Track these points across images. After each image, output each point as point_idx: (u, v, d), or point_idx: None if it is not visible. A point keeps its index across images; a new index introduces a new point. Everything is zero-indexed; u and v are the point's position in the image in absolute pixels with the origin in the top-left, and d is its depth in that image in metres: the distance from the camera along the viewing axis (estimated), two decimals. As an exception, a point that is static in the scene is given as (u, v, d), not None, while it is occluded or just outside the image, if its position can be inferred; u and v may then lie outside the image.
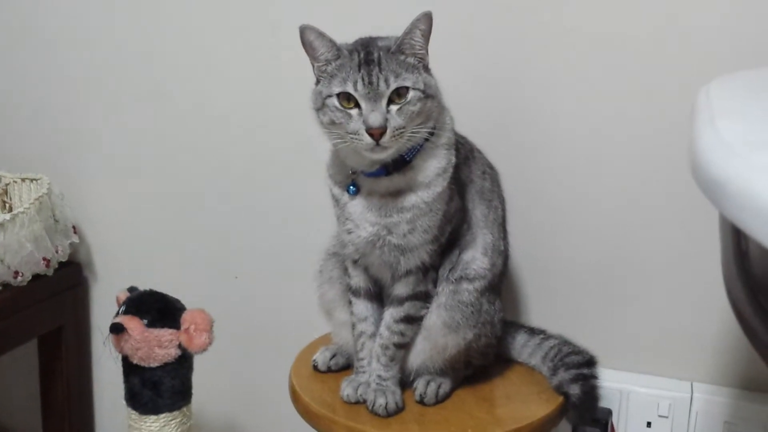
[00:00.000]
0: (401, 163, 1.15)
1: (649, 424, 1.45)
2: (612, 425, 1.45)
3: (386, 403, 1.19)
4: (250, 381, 1.74)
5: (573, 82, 1.42)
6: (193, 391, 1.42)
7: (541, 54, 1.43)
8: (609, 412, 1.44)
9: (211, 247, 1.72)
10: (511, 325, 1.39)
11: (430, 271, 1.22)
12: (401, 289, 1.22)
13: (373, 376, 1.23)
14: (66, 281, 1.73)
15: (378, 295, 1.27)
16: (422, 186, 1.16)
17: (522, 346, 1.37)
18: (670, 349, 1.47)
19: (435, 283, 1.23)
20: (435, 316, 1.22)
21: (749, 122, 0.65)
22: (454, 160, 1.19)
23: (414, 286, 1.22)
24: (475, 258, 1.24)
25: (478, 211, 1.26)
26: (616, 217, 1.45)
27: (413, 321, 1.23)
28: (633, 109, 1.39)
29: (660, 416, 1.45)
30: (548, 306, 1.51)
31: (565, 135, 1.44)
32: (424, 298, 1.23)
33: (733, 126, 0.62)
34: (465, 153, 1.25)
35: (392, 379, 1.23)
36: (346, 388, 1.24)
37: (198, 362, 1.40)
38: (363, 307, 1.26)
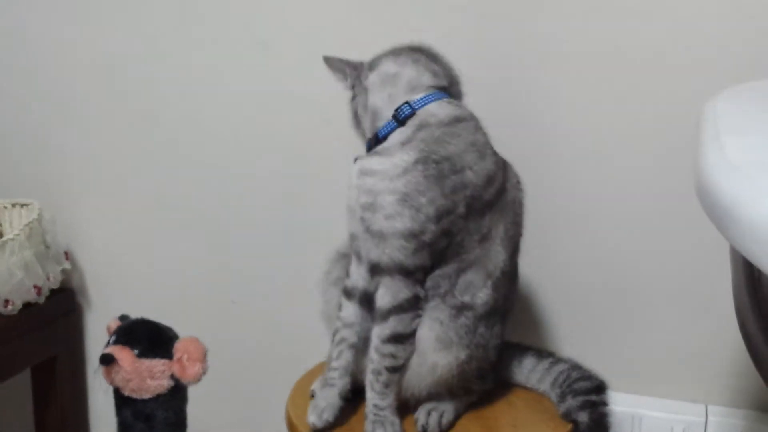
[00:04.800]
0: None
1: (662, 450, 1.40)
2: (624, 451, 1.40)
3: (386, 435, 1.14)
4: (249, 410, 1.69)
5: (582, 92, 1.38)
6: (189, 421, 1.37)
7: (547, 64, 1.39)
8: (621, 438, 1.39)
9: (206, 271, 1.68)
10: (516, 347, 1.33)
11: (415, 274, 1.13)
12: (383, 296, 1.14)
13: (368, 405, 1.16)
14: (58, 309, 1.68)
15: (372, 303, 1.17)
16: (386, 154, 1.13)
17: (530, 371, 1.31)
18: (683, 372, 1.42)
19: (423, 284, 1.14)
20: (427, 330, 1.14)
21: (759, 139, 0.59)
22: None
23: (396, 292, 1.13)
24: (475, 283, 1.15)
25: (501, 226, 1.17)
26: (628, 237, 1.40)
27: (404, 339, 1.14)
28: (645, 127, 1.35)
29: (674, 441, 1.39)
30: (557, 327, 1.46)
31: (576, 151, 1.40)
32: (412, 306, 1.14)
33: (741, 144, 0.56)
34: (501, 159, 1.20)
35: (389, 408, 1.16)
36: (311, 415, 1.17)
37: (193, 391, 1.35)
38: (352, 312, 1.18)
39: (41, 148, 1.74)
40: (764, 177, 0.49)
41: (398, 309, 1.13)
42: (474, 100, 1.39)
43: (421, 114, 1.15)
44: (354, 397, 1.21)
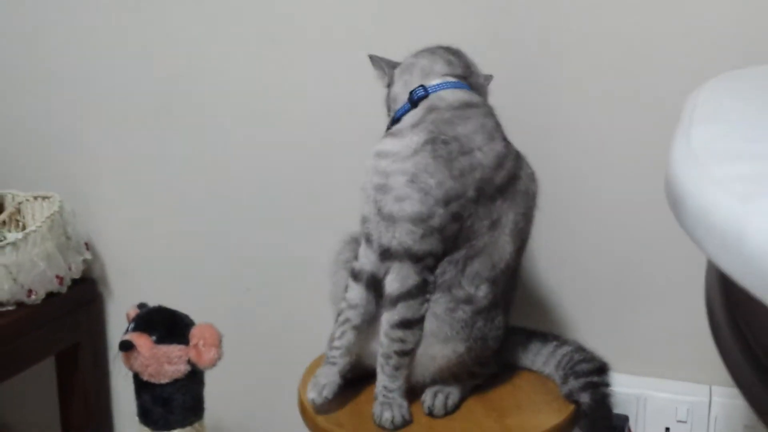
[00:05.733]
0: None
1: (667, 430, 1.43)
2: (631, 431, 1.43)
3: (393, 417, 1.17)
4: (266, 394, 1.74)
5: (591, 83, 1.41)
6: (209, 405, 1.42)
7: (554, 56, 1.42)
8: (626, 419, 1.42)
9: (222, 260, 1.72)
10: (522, 331, 1.36)
11: (424, 260, 1.15)
12: (392, 282, 1.16)
13: (378, 387, 1.20)
14: (80, 298, 1.74)
15: (379, 287, 1.20)
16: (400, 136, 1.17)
17: (535, 355, 1.34)
18: (687, 352, 1.44)
19: (433, 271, 1.16)
20: (426, 323, 1.17)
21: (727, 128, 0.60)
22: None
23: (404, 278, 1.15)
24: (481, 274, 1.17)
25: (511, 214, 1.18)
26: (633, 217, 1.43)
27: (412, 325, 1.16)
28: (651, 117, 1.38)
29: (679, 421, 1.42)
30: (564, 310, 1.49)
31: (584, 139, 1.43)
32: (420, 292, 1.16)
33: (706, 133, 0.57)
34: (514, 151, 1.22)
35: (398, 391, 1.19)
36: (311, 391, 1.20)
37: (212, 376, 1.39)
38: (357, 294, 1.20)
39: (62, 142, 1.78)
40: (716, 165, 0.51)
41: (407, 295, 1.16)
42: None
43: (432, 98, 1.20)
44: (361, 381, 1.26)
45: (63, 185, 1.75)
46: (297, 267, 1.65)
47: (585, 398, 1.22)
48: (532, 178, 1.23)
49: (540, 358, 1.33)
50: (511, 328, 1.32)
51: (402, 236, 1.15)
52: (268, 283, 1.69)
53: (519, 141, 1.23)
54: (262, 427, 1.76)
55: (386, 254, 1.17)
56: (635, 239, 1.43)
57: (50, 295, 1.64)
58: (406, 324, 1.17)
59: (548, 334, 1.37)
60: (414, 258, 1.15)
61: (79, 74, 1.74)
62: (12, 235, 1.60)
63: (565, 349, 1.32)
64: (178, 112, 1.69)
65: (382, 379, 1.20)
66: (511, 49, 1.43)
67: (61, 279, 1.65)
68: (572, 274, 1.47)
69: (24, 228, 1.70)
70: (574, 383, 1.25)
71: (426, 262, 1.16)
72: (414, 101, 1.20)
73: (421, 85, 1.21)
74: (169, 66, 1.67)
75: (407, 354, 1.18)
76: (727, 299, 0.62)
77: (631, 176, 1.41)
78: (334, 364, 1.21)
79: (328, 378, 1.21)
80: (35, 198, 1.73)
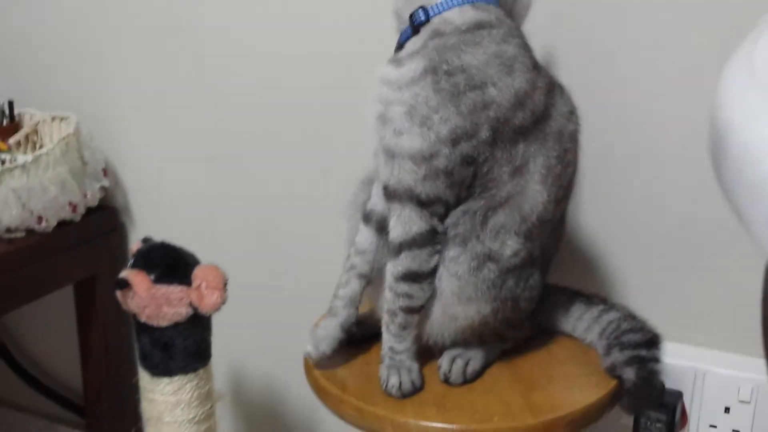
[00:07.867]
0: None
1: (727, 410, 1.26)
2: (684, 409, 1.27)
3: (400, 383, 1.03)
4: (287, 343, 1.62)
5: (647, 22, 1.21)
6: (215, 351, 1.30)
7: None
8: (679, 395, 1.26)
9: (254, 194, 1.58)
10: (563, 292, 1.20)
11: (429, 205, 1.00)
12: (394, 227, 1.02)
13: (384, 348, 1.06)
14: (98, 227, 1.63)
15: None
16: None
17: (577, 320, 1.18)
18: (755, 323, 1.25)
19: (442, 220, 1.02)
20: (445, 282, 1.02)
21: None
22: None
23: (407, 224, 1.00)
24: (507, 227, 1.01)
25: (541, 159, 1.02)
26: (692, 174, 1.24)
27: (420, 278, 1.02)
28: (718, 55, 1.17)
29: (741, 401, 1.25)
30: (612, 270, 1.32)
31: (642, 82, 1.24)
32: (427, 242, 1.01)
33: None
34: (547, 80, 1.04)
35: (407, 352, 1.05)
36: (308, 344, 1.09)
37: (227, 321, 1.28)
38: (366, 238, 1.08)
39: (82, 59, 1.67)
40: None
41: (411, 244, 1.01)
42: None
43: (435, 21, 1.01)
44: (375, 338, 1.12)
45: (83, 106, 1.64)
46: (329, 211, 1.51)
47: (629, 374, 1.06)
48: (570, 117, 1.05)
49: (582, 324, 1.18)
50: (552, 287, 1.18)
51: (402, 174, 1.00)
52: (296, 224, 1.55)
53: (564, 73, 1.05)
54: (281, 379, 1.65)
55: (386, 192, 1.03)
56: (700, 187, 1.23)
57: (62, 224, 1.54)
58: (412, 277, 1.02)
59: (594, 296, 1.21)
60: (417, 201, 1.00)
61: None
62: (22, 158, 1.50)
63: (612, 315, 1.16)
64: (203, 30, 1.55)
65: (387, 339, 1.06)
66: None
67: (74, 206, 1.55)
68: (624, 227, 1.30)
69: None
70: (618, 355, 1.09)
71: (434, 208, 1.01)
72: (415, 26, 1.02)
73: (422, 7, 1.02)
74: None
75: (416, 311, 1.05)
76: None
77: (691, 130, 1.21)
78: (335, 315, 1.09)
79: (328, 331, 1.09)
80: (53, 119, 1.63)
